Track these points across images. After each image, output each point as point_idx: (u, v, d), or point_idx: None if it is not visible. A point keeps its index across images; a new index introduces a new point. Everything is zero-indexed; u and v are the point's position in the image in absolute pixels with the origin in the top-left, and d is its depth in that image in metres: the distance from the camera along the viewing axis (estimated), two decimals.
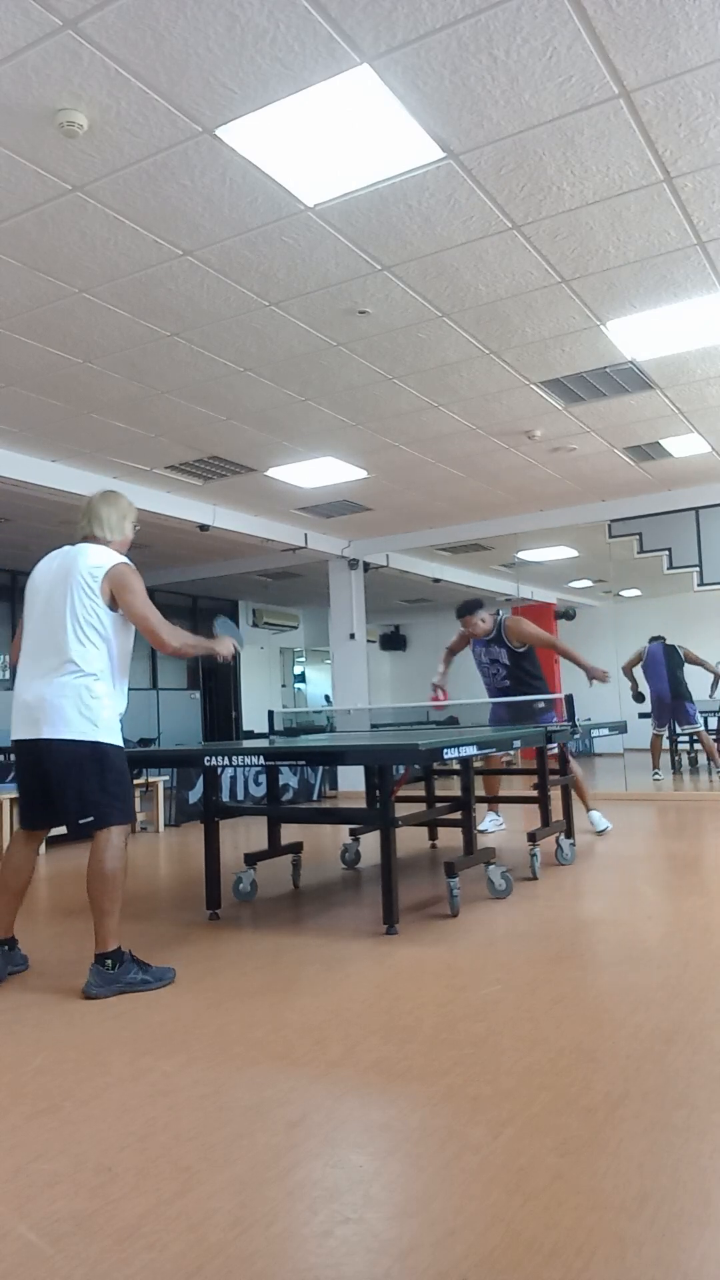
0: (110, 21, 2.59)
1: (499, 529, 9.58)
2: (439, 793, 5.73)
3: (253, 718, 13.99)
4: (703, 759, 11.25)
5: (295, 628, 15.78)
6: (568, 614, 14.76)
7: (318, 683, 16.12)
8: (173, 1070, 2.32)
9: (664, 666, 9.41)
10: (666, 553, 8.62)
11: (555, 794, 5.26)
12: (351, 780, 9.64)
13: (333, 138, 3.14)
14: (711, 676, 9.84)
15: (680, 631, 9.98)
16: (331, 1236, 1.55)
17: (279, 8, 2.56)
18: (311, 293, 4.30)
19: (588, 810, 6.19)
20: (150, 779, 7.70)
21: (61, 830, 3.34)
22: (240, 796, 8.37)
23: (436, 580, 11.83)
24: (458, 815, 4.71)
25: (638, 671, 9.59)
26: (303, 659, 16.28)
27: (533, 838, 4.76)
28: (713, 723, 10.77)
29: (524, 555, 11.31)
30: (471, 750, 3.82)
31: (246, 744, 4.73)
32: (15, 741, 3.19)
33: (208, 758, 3.85)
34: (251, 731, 13.53)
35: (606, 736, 6.87)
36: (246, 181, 3.39)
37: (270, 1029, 2.59)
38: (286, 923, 3.97)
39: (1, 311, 4.37)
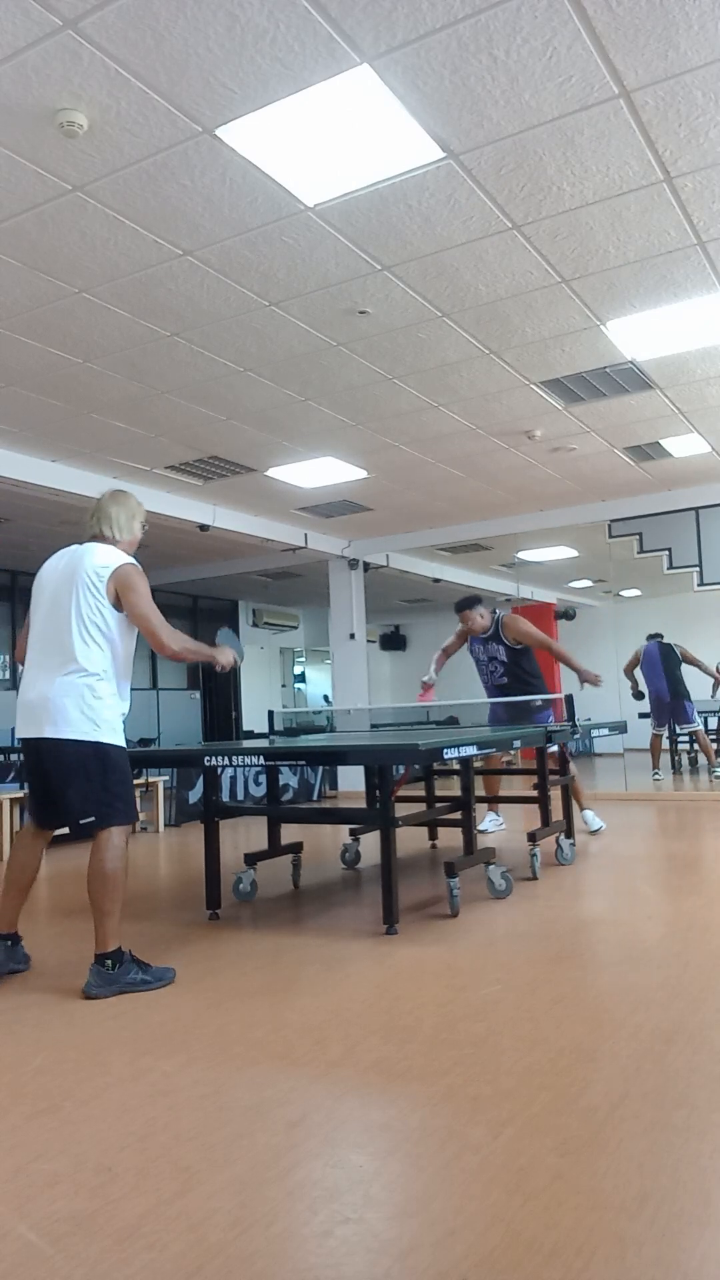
0: (110, 21, 2.59)
1: (499, 529, 9.58)
2: (439, 793, 5.73)
3: (253, 718, 13.99)
4: (702, 759, 11.25)
5: (295, 628, 15.78)
6: (568, 614, 14.76)
7: (318, 683, 16.12)
8: (173, 1070, 2.32)
9: (661, 666, 9.41)
10: (666, 553, 8.61)
11: (555, 794, 5.26)
12: (351, 780, 9.65)
13: (333, 138, 3.14)
14: (711, 674, 9.82)
15: (680, 631, 9.97)
16: (331, 1236, 1.55)
17: (279, 8, 2.56)
18: (311, 293, 4.30)
19: (581, 810, 6.22)
20: (150, 779, 7.70)
21: (64, 830, 3.35)
22: (240, 796, 8.37)
23: (436, 580, 11.83)
24: (458, 815, 4.71)
25: (637, 672, 9.59)
26: (303, 659, 16.28)
27: (533, 838, 4.76)
28: (712, 723, 10.76)
29: (524, 555, 11.31)
30: (471, 750, 3.82)
31: (246, 744, 4.73)
32: (21, 740, 3.21)
33: (208, 758, 3.85)
34: (251, 731, 13.52)
35: (606, 736, 6.87)
36: (246, 181, 3.39)
37: (270, 1029, 2.59)
38: (286, 923, 3.97)
39: (1, 311, 4.37)
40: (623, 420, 6.40)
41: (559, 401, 5.94)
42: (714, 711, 10.77)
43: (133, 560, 3.25)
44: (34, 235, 3.71)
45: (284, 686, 15.75)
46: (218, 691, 13.74)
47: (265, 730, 7.92)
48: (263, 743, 4.79)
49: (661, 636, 9.60)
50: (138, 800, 7.01)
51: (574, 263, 4.13)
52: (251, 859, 4.57)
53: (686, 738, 10.47)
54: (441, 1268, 1.46)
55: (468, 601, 5.97)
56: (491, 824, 6.36)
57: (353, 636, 10.37)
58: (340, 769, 9.69)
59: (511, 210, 3.67)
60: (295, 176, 3.36)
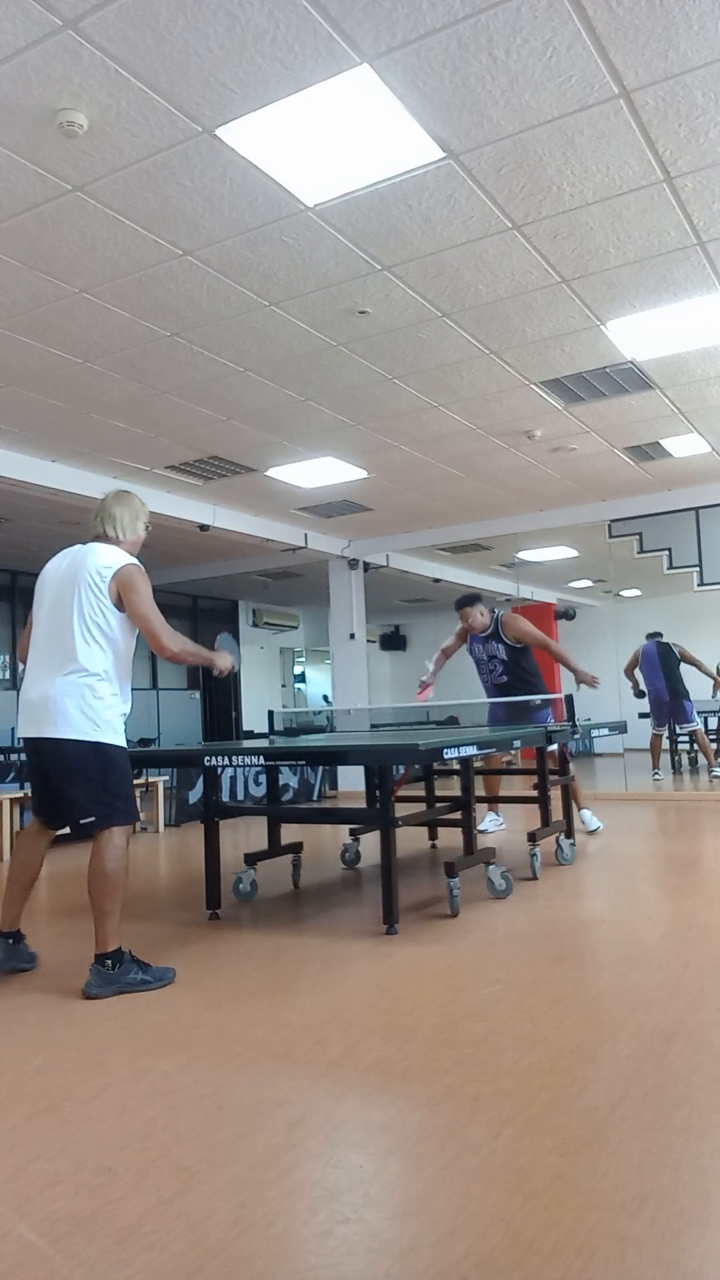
0: (110, 21, 2.59)
1: (499, 529, 9.58)
2: (439, 793, 5.73)
3: (253, 718, 13.99)
4: (702, 759, 11.25)
5: (295, 628, 15.78)
6: (568, 614, 14.76)
7: (318, 683, 16.12)
8: (173, 1070, 2.32)
9: (660, 666, 9.41)
10: (666, 553, 8.61)
11: (555, 794, 5.26)
12: (351, 780, 9.65)
13: (333, 138, 3.14)
14: (710, 675, 9.81)
15: (680, 631, 9.97)
16: (331, 1236, 1.55)
17: (279, 8, 2.56)
18: (311, 293, 4.30)
19: (579, 809, 6.22)
20: (150, 779, 7.70)
21: (65, 830, 3.36)
22: (240, 796, 8.37)
23: (436, 580, 11.83)
24: (458, 815, 4.71)
25: (637, 672, 9.59)
26: (303, 659, 16.28)
27: (533, 838, 4.76)
28: (712, 723, 10.76)
29: (524, 555, 11.31)
30: (471, 750, 3.82)
31: (246, 744, 4.73)
32: (22, 739, 3.22)
33: (208, 758, 3.85)
34: (251, 731, 13.53)
35: (606, 736, 6.88)
36: (246, 181, 3.39)
37: (270, 1029, 2.59)
38: (286, 923, 3.97)
39: (1, 311, 4.38)
40: (623, 420, 6.40)
41: (559, 401, 5.94)
42: (714, 712, 10.77)
43: (135, 561, 3.25)
44: (34, 235, 3.71)
45: (284, 686, 15.75)
46: (218, 691, 13.74)
47: (265, 730, 7.92)
48: (263, 743, 4.79)
49: (661, 635, 9.60)
50: (138, 800, 7.02)
51: (574, 263, 4.13)
52: (251, 859, 4.57)
53: (686, 738, 10.47)
54: (441, 1268, 1.46)
55: (468, 599, 5.99)
56: (491, 824, 6.36)
57: (353, 636, 10.37)
58: (340, 769, 9.69)
59: (511, 210, 3.67)
60: (295, 176, 3.36)
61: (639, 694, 9.52)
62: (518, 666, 5.91)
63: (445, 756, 3.68)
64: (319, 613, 15.16)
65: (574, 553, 11.17)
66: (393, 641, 16.53)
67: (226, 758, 3.84)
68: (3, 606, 11.11)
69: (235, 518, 8.78)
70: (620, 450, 7.14)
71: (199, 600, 13.59)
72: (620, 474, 7.87)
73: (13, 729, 3.17)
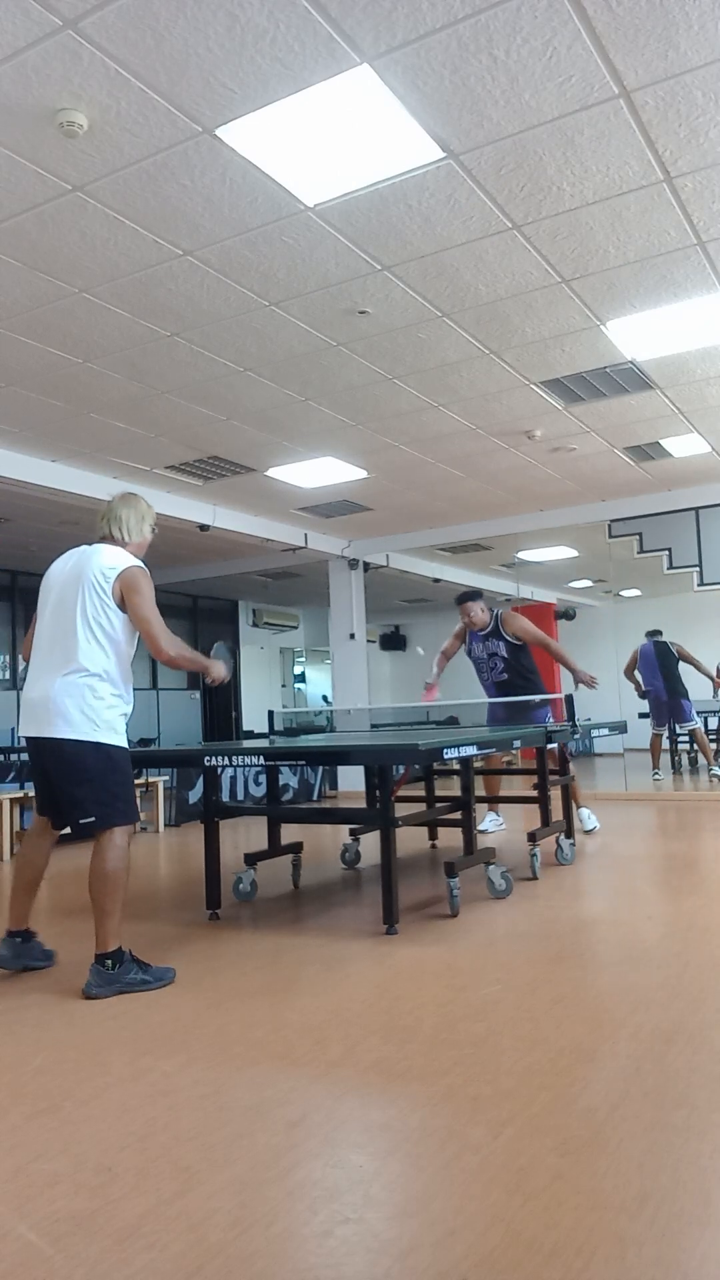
0: (110, 21, 2.59)
1: (499, 529, 9.58)
2: (439, 793, 5.73)
3: (253, 718, 13.99)
4: (702, 759, 11.25)
5: (295, 628, 15.78)
6: (568, 614, 14.76)
7: (318, 683, 16.12)
8: (173, 1070, 2.32)
9: (658, 666, 9.41)
10: (666, 553, 8.61)
11: (555, 794, 5.26)
12: (351, 780, 9.65)
13: (333, 138, 3.14)
14: (709, 675, 9.81)
15: (680, 631, 9.97)
16: (331, 1236, 1.55)
17: (279, 8, 2.56)
18: (311, 293, 4.30)
19: (577, 808, 6.23)
20: (150, 779, 7.70)
21: (66, 829, 3.37)
22: (240, 796, 8.37)
23: (436, 580, 11.83)
24: (458, 815, 4.71)
25: (637, 673, 9.59)
26: (303, 659, 16.28)
27: (533, 838, 4.76)
28: (712, 723, 10.76)
29: (524, 555, 11.31)
30: (471, 750, 3.82)
31: (246, 744, 4.73)
32: (24, 738, 3.24)
33: (208, 758, 3.85)
34: (251, 731, 13.53)
35: (606, 736, 6.88)
36: (246, 181, 3.39)
37: (270, 1029, 2.59)
38: (286, 923, 3.97)
39: (1, 311, 4.37)
40: (623, 420, 6.40)
41: (559, 401, 5.94)
42: (714, 712, 10.77)
43: (140, 563, 3.26)
44: (34, 235, 3.71)
45: (284, 686, 15.75)
46: (218, 692, 13.74)
47: (265, 730, 7.93)
48: (263, 743, 4.79)
49: (660, 634, 9.59)
50: (138, 800, 7.02)
51: (574, 263, 4.13)
52: (251, 859, 4.57)
53: (686, 737, 10.47)
54: (441, 1268, 1.46)
55: (469, 595, 6.01)
56: (491, 824, 6.36)
57: (353, 636, 10.37)
58: (340, 769, 9.69)
59: (511, 210, 3.67)
60: (295, 176, 3.36)
61: (642, 694, 9.52)
62: (518, 664, 5.93)
63: (445, 756, 3.68)
64: (319, 613, 15.15)
65: (574, 553, 11.17)
66: (393, 641, 16.53)
67: (226, 758, 3.84)
68: (3, 606, 11.11)
69: (235, 518, 8.78)
70: (620, 450, 7.14)
71: (199, 600, 13.60)
72: (620, 474, 7.87)
73: (13, 729, 3.17)
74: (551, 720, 5.86)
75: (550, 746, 5.05)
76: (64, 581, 3.25)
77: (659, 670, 9.40)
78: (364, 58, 2.77)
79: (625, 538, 8.85)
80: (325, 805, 9.10)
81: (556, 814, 5.21)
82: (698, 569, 8.44)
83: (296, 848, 4.82)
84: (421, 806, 5.49)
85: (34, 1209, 1.69)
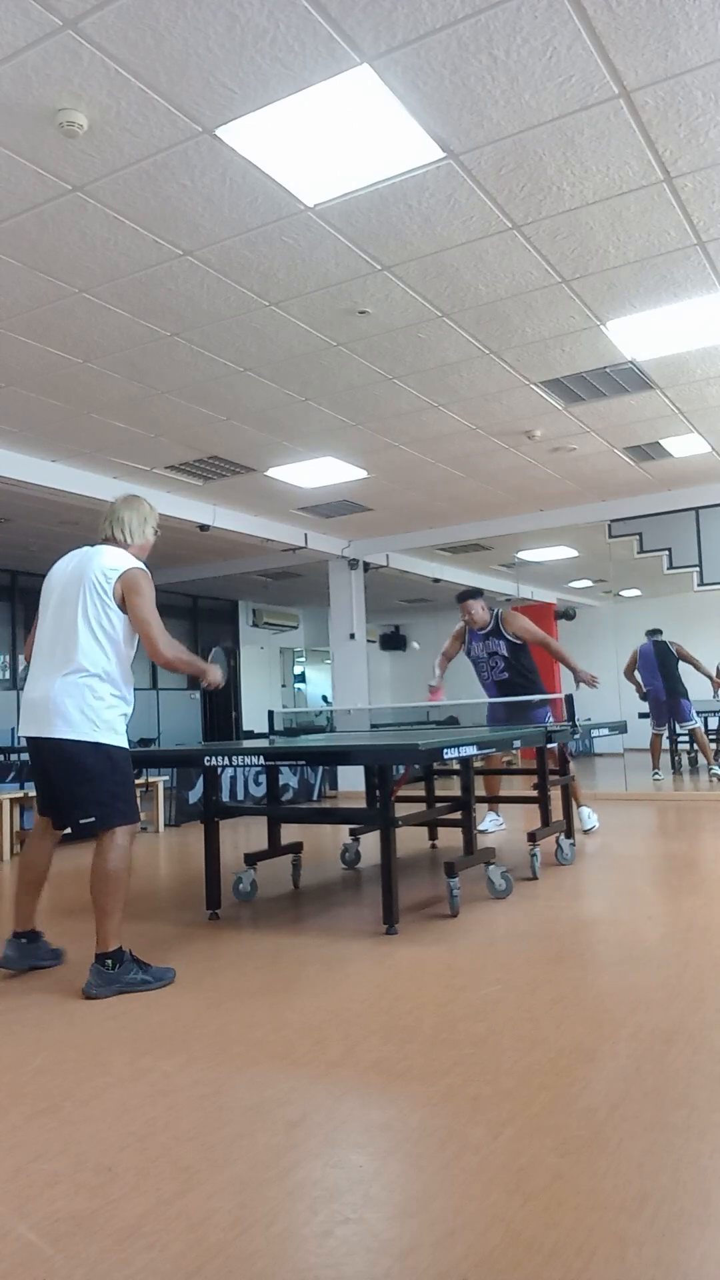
0: (110, 21, 2.59)
1: (499, 529, 9.58)
2: (439, 793, 5.74)
3: (253, 718, 13.99)
4: (702, 759, 11.25)
5: (295, 628, 15.78)
6: (568, 614, 14.77)
7: (318, 683, 16.12)
8: (173, 1070, 2.33)
9: (657, 666, 9.41)
10: (666, 553, 8.61)
11: (555, 794, 5.26)
12: (351, 780, 9.65)
13: (333, 138, 3.14)
14: (708, 675, 9.81)
15: (680, 631, 9.97)
16: (331, 1236, 1.55)
17: (279, 8, 2.56)
18: (311, 293, 4.30)
19: (578, 806, 6.25)
20: (150, 779, 7.70)
21: (69, 830, 3.38)
22: (240, 796, 8.37)
23: (436, 580, 11.83)
24: (458, 815, 4.71)
25: (637, 673, 9.59)
26: (303, 659, 16.28)
27: (533, 838, 4.76)
28: (712, 723, 10.76)
29: (524, 555, 11.31)
30: (471, 750, 3.82)
31: (246, 744, 4.73)
32: (25, 738, 3.24)
33: (208, 758, 3.85)
34: (251, 731, 13.52)
35: (606, 736, 6.88)
36: (246, 181, 3.39)
37: (270, 1029, 2.59)
38: (286, 923, 3.97)
39: (1, 311, 4.37)
40: (623, 420, 6.40)
41: (559, 401, 5.94)
42: (714, 711, 10.77)
43: (141, 565, 3.27)
44: (34, 235, 3.71)
45: (284, 686, 15.74)
46: (218, 692, 13.74)
47: (265, 730, 7.93)
48: (263, 743, 4.79)
49: (660, 633, 9.59)
50: (138, 800, 7.02)
51: (574, 263, 4.13)
52: (251, 859, 4.57)
53: (686, 737, 10.47)
54: (441, 1268, 1.46)
55: (469, 593, 6.03)
56: (491, 824, 6.36)
57: (353, 636, 10.37)
58: (340, 769, 9.69)
59: (511, 210, 3.67)
60: (295, 176, 3.36)
61: (643, 696, 9.53)
62: (518, 663, 5.94)
63: (445, 756, 3.68)
64: (319, 613, 15.16)
65: (574, 553, 11.17)
66: (393, 641, 16.53)
67: (226, 758, 3.84)
68: (3, 606, 11.11)
69: (235, 518, 8.78)
70: (620, 450, 7.14)
71: (199, 600, 13.60)
72: (620, 474, 7.87)
73: (13, 729, 3.18)
74: (551, 720, 5.86)
75: (550, 746, 5.05)
76: (65, 582, 3.26)
77: (658, 670, 9.40)
78: (364, 58, 2.77)
79: (625, 538, 8.85)
80: (325, 805, 9.10)
81: (556, 814, 5.21)
82: (698, 569, 8.44)
83: (296, 848, 4.82)
84: (421, 806, 5.49)
85: (34, 1209, 1.69)
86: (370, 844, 5.82)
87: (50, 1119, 2.07)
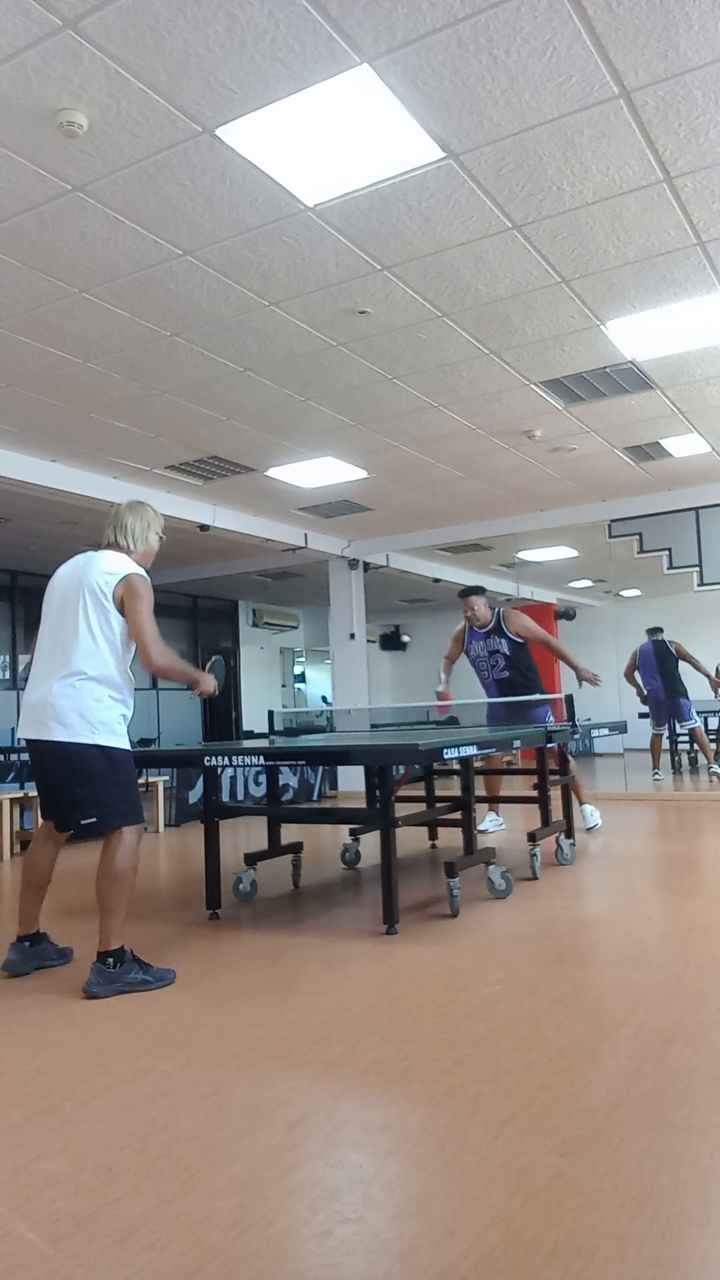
0: (110, 21, 2.59)
1: (499, 529, 9.58)
2: (439, 793, 5.74)
3: (253, 718, 13.99)
4: (702, 759, 11.25)
5: (295, 628, 15.77)
6: (568, 614, 14.76)
7: (318, 683, 16.12)
8: (173, 1070, 2.33)
9: (656, 665, 9.41)
10: (666, 553, 8.61)
11: (555, 794, 5.26)
12: (351, 780, 9.64)
13: (333, 138, 3.14)
14: (707, 675, 9.81)
15: (680, 631, 9.97)
16: (331, 1236, 1.55)
17: (279, 8, 2.56)
18: (311, 293, 4.30)
19: (580, 804, 6.28)
20: (150, 779, 7.70)
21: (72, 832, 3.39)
22: (240, 796, 8.37)
23: (436, 580, 11.83)
24: (458, 815, 4.71)
25: (637, 674, 9.59)
26: (303, 659, 16.28)
27: (533, 838, 4.76)
28: (713, 723, 10.76)
29: (524, 555, 11.31)
30: (471, 750, 3.82)
31: (246, 744, 4.73)
32: (25, 741, 3.25)
33: (208, 758, 3.85)
34: (251, 731, 13.53)
35: (606, 736, 6.88)
36: (246, 181, 3.39)
37: (270, 1029, 2.59)
38: (286, 923, 3.97)
39: (1, 311, 4.37)
40: (623, 420, 6.40)
41: (559, 401, 5.94)
42: (714, 711, 10.77)
43: (142, 571, 3.27)
44: (34, 235, 3.71)
45: (284, 686, 15.74)
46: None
47: (265, 730, 7.93)
48: (263, 743, 4.79)
49: (661, 631, 9.59)
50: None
51: (574, 263, 4.13)
52: (251, 859, 4.57)
53: (686, 737, 10.47)
54: (441, 1268, 1.46)
55: (472, 589, 6.04)
56: (491, 824, 6.36)
57: (353, 636, 10.37)
58: (340, 769, 9.69)
59: (511, 210, 3.67)
60: (295, 176, 3.36)
61: (644, 698, 9.53)
62: (519, 662, 5.95)
63: (445, 756, 3.68)
64: (319, 613, 15.16)
65: (574, 553, 11.17)
66: (393, 641, 16.53)
67: (226, 758, 3.84)
68: (3, 606, 11.11)
69: (235, 518, 8.78)
70: (620, 450, 7.14)
71: (199, 600, 13.59)
72: (620, 474, 7.87)
73: (13, 729, 3.19)
74: (552, 720, 5.86)
75: (550, 746, 5.05)
76: (66, 586, 3.28)
77: (658, 670, 9.40)
78: (364, 58, 2.77)
79: (625, 538, 8.85)
80: (325, 805, 9.10)
81: (556, 814, 5.21)
82: (698, 569, 8.44)
83: (296, 848, 4.82)
84: (421, 806, 5.49)
85: (34, 1209, 1.69)
86: (370, 844, 5.82)
87: (50, 1119, 2.07)
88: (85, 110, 2.95)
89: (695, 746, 10.60)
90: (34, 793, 6.37)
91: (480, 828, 6.13)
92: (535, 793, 5.06)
